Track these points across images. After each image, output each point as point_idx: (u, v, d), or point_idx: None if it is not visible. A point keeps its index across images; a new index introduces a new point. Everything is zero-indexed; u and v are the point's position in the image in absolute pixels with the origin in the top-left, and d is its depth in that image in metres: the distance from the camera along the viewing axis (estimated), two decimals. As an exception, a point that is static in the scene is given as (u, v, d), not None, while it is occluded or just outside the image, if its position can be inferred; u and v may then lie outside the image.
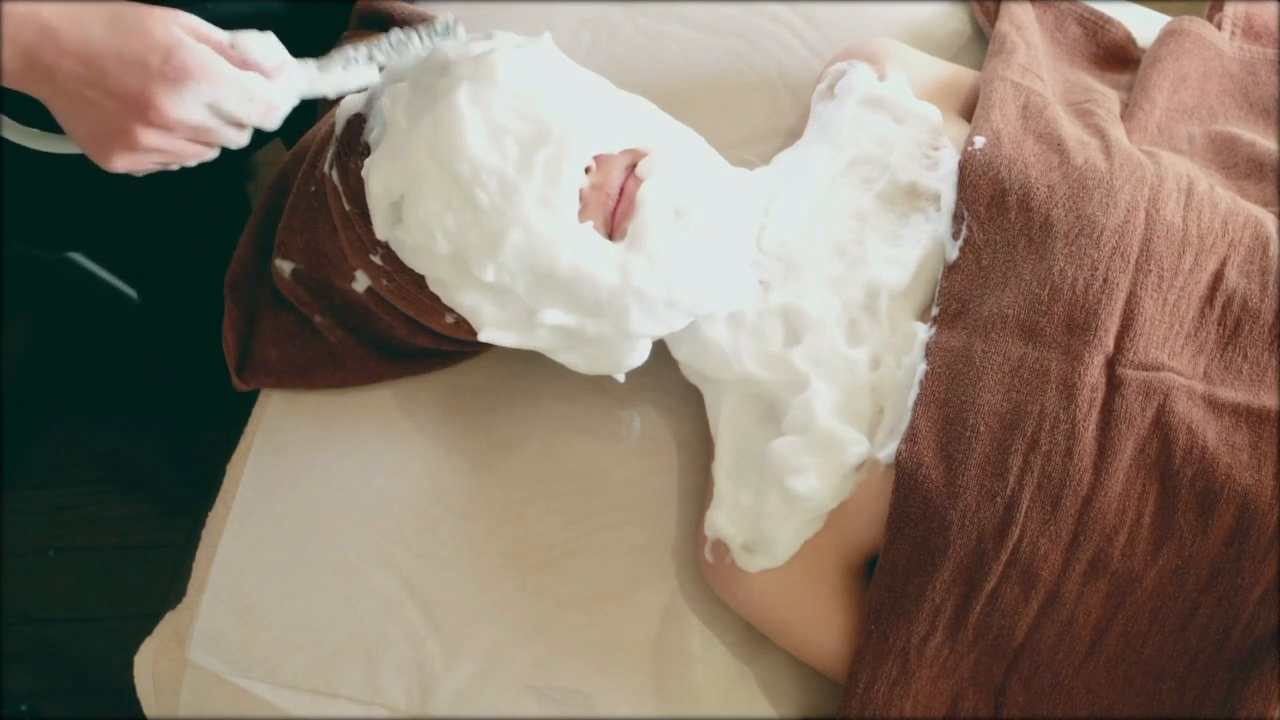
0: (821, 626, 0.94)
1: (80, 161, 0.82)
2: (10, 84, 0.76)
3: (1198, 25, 1.15)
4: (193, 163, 0.82)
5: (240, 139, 0.82)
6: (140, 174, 0.81)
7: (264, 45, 0.81)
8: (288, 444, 1.06)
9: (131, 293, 1.43)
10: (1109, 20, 1.20)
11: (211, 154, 0.83)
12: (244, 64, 0.80)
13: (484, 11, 1.23)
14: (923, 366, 0.91)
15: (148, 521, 1.68)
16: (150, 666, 1.01)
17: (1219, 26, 1.17)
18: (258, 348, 1.08)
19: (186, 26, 0.78)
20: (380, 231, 0.92)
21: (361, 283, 0.99)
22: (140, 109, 0.76)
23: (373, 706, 0.97)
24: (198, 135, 0.80)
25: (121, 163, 0.79)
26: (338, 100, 1.07)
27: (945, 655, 0.90)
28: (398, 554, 1.01)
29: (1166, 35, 1.15)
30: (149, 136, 0.77)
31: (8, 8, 0.73)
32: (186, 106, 0.77)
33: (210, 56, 0.77)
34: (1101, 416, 0.87)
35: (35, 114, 0.80)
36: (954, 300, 0.93)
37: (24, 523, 1.69)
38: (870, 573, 0.94)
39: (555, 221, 0.87)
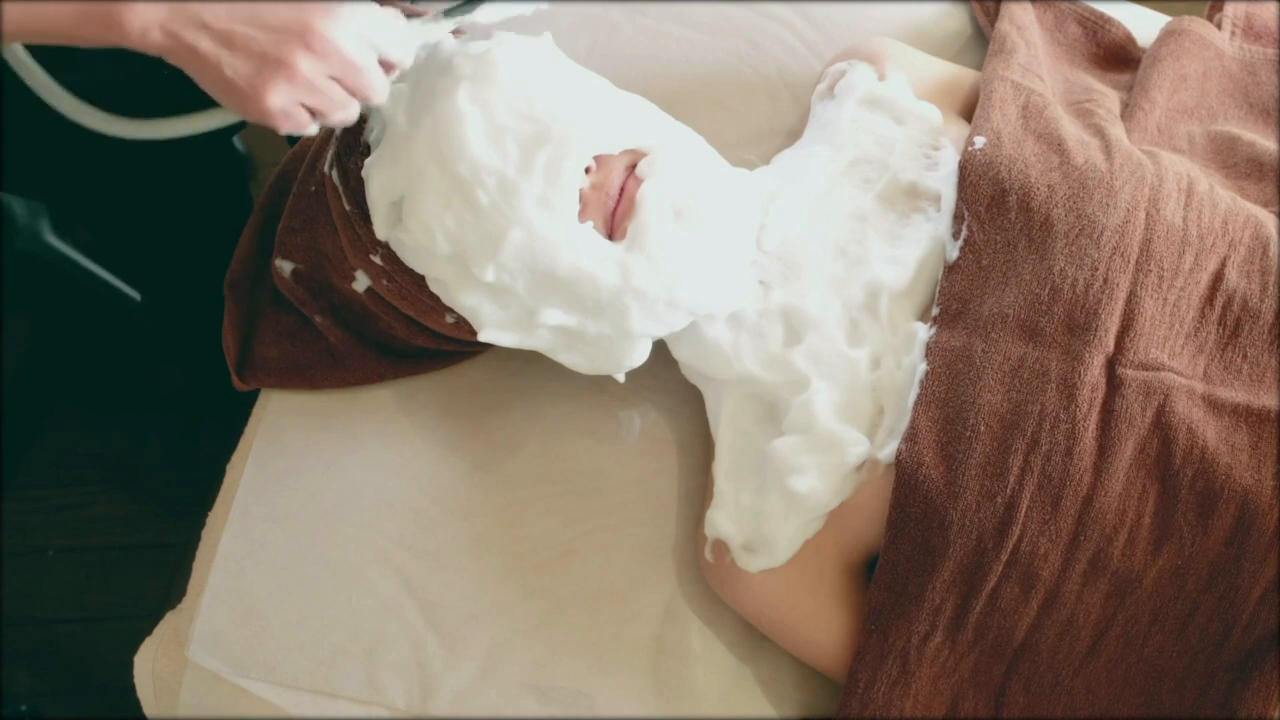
0: (821, 626, 0.94)
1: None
2: (146, 41, 0.73)
3: (1198, 25, 1.15)
4: (337, 118, 0.80)
5: (379, 93, 0.81)
6: (288, 126, 0.79)
7: None
8: (288, 444, 1.06)
9: (132, 293, 1.44)
10: (1109, 20, 1.20)
11: (354, 113, 0.81)
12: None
13: (484, 11, 1.23)
14: (923, 366, 0.91)
15: (148, 521, 1.68)
16: (150, 666, 1.01)
17: (1219, 26, 1.17)
18: (258, 347, 1.08)
19: None
20: (380, 231, 0.92)
21: (361, 283, 0.99)
22: (299, 34, 0.75)
23: (373, 706, 0.97)
24: (347, 74, 0.79)
25: (278, 97, 0.76)
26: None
27: (945, 655, 0.90)
28: (398, 554, 1.02)
29: (1166, 35, 1.15)
30: (306, 64, 0.76)
31: None
32: (344, 32, 0.77)
33: None
34: (1101, 416, 0.87)
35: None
36: (954, 300, 0.93)
37: (24, 523, 1.69)
38: (870, 572, 0.95)
39: (555, 221, 0.87)
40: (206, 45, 0.74)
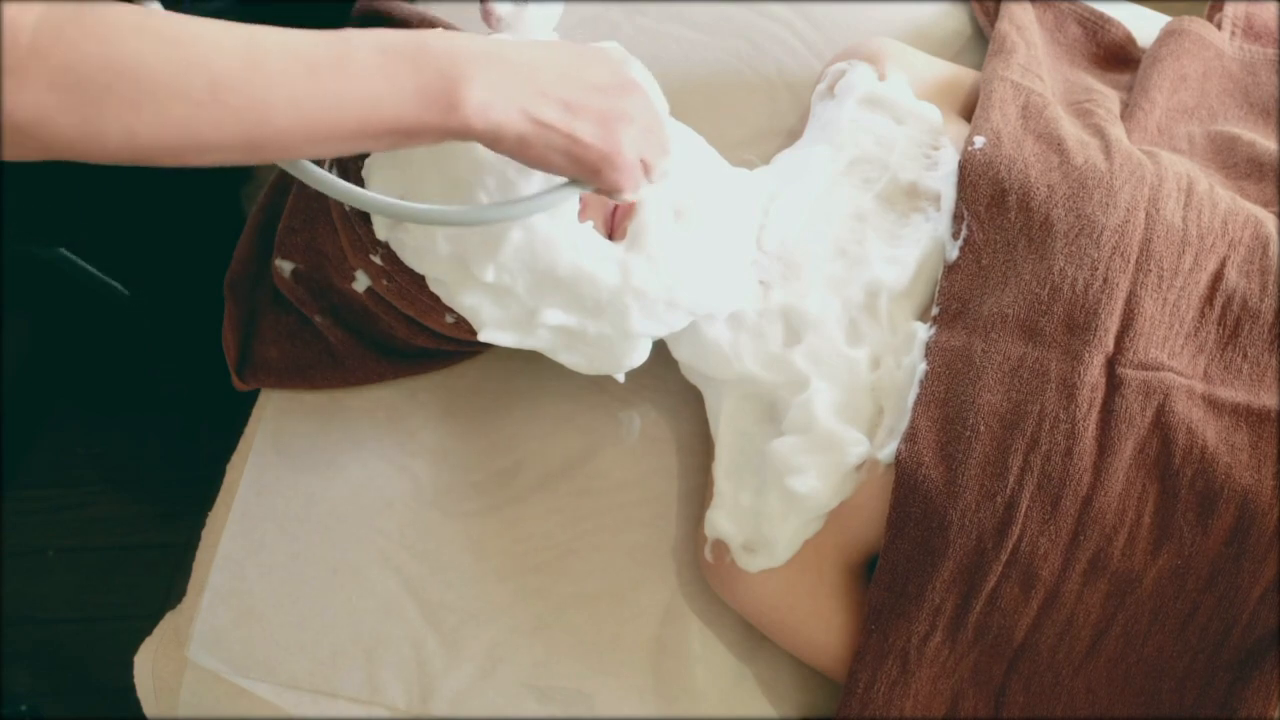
0: (821, 626, 0.94)
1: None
2: (487, 119, 0.72)
3: (1198, 25, 1.15)
4: (662, 165, 0.82)
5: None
6: (635, 181, 0.79)
7: None
8: (288, 444, 1.06)
9: (120, 287, 1.44)
10: (1109, 20, 1.20)
11: (670, 161, 0.84)
12: None
13: (484, 11, 1.23)
14: (923, 366, 0.91)
15: (148, 521, 1.68)
16: (150, 666, 1.01)
17: (1219, 26, 1.17)
18: (258, 347, 1.08)
19: None
20: (380, 232, 0.91)
21: (361, 283, 0.99)
22: (624, 86, 0.77)
23: (373, 706, 0.97)
24: (658, 119, 0.81)
25: (629, 147, 0.77)
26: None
27: (945, 655, 0.90)
28: (398, 554, 1.02)
29: (1166, 35, 1.15)
30: (638, 110, 0.78)
31: (490, 43, 0.73)
32: (642, 79, 0.82)
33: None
34: (1101, 416, 0.87)
35: None
36: (954, 300, 0.93)
37: (24, 523, 1.69)
38: (870, 572, 0.95)
39: (555, 221, 0.87)
40: (554, 114, 0.74)
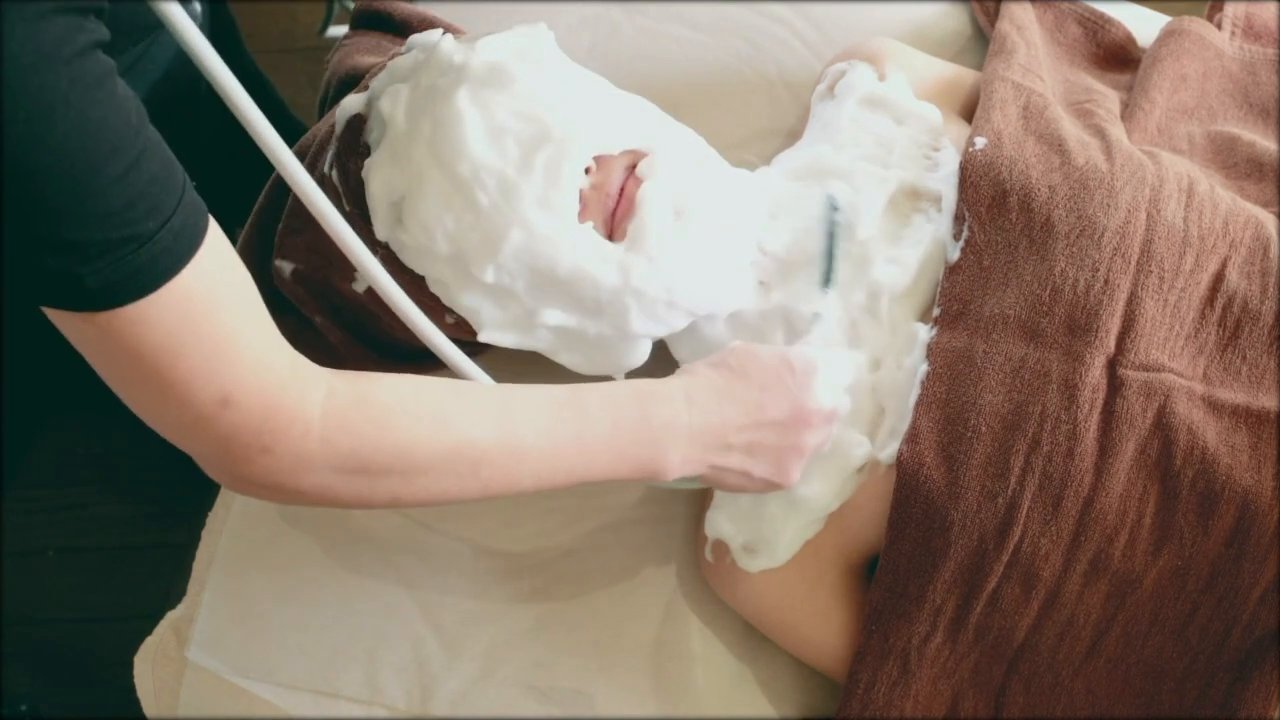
0: (822, 627, 0.94)
1: None
2: (684, 471, 0.84)
3: (1198, 25, 1.15)
4: (827, 446, 0.90)
5: (847, 404, 0.91)
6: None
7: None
8: (288, 444, 1.06)
9: None
10: (1109, 20, 1.20)
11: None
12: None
13: (484, 11, 1.23)
14: (924, 367, 0.91)
15: (148, 521, 1.68)
16: (150, 666, 1.01)
17: (1219, 26, 1.17)
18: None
19: (756, 345, 0.89)
20: (380, 232, 0.91)
21: (361, 283, 0.99)
22: (802, 419, 0.86)
23: (373, 706, 0.97)
24: (831, 417, 0.89)
25: (798, 473, 0.88)
26: (337, 101, 1.07)
27: (946, 656, 0.90)
28: (397, 554, 1.01)
29: (1166, 35, 1.15)
30: (812, 438, 0.87)
31: (686, 410, 0.83)
32: (827, 395, 0.88)
33: (806, 349, 0.89)
34: (1102, 417, 0.87)
35: None
36: (955, 301, 0.93)
37: (24, 523, 1.69)
38: (871, 573, 0.95)
39: (555, 222, 0.87)
40: (735, 460, 0.85)
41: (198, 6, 1.02)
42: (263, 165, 1.08)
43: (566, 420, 0.78)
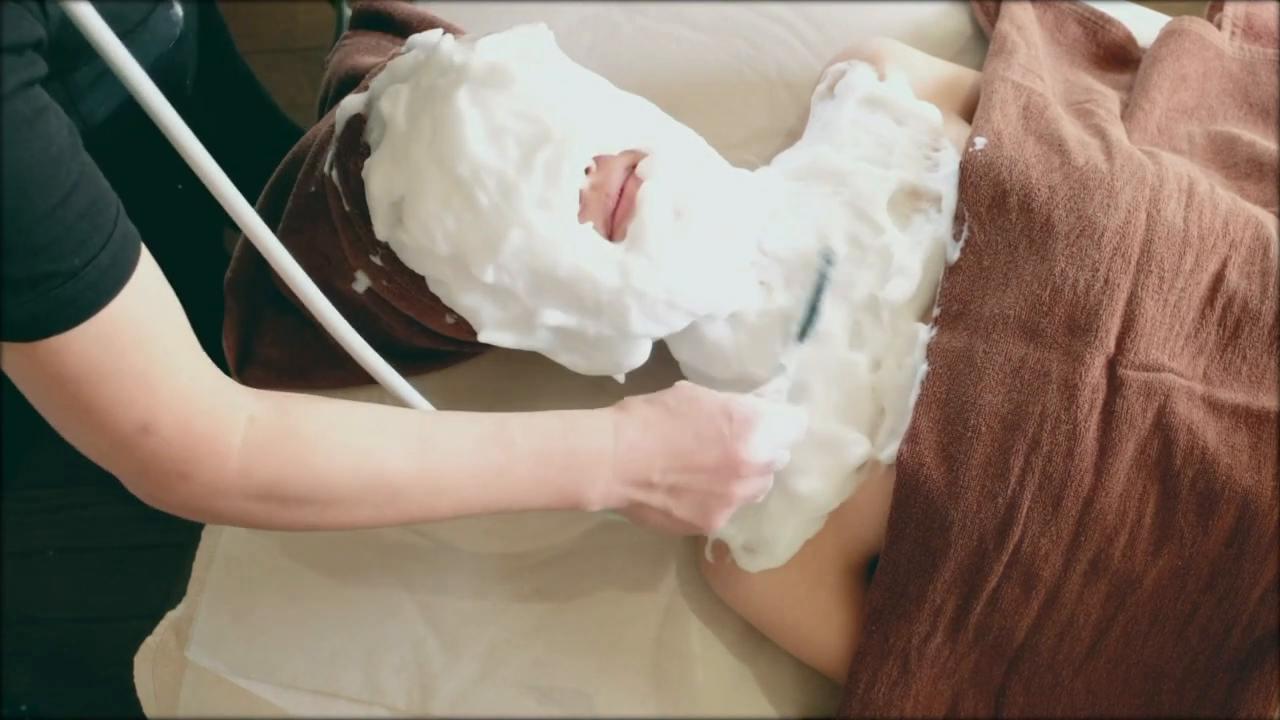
0: (821, 627, 0.94)
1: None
2: (605, 505, 0.85)
3: (1198, 25, 1.15)
4: (760, 498, 0.91)
5: (786, 458, 0.90)
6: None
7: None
8: (288, 444, 1.06)
9: None
10: (1109, 20, 1.20)
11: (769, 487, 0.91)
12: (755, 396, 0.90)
13: (484, 11, 1.23)
14: (924, 367, 0.91)
15: (148, 521, 1.67)
16: (150, 666, 1.01)
17: (1219, 26, 1.17)
18: (258, 348, 1.08)
19: (710, 388, 0.88)
20: (380, 232, 0.91)
21: (361, 283, 0.99)
22: (732, 469, 0.85)
23: (373, 707, 0.97)
24: (766, 470, 0.88)
25: (722, 520, 0.88)
26: (337, 101, 1.07)
27: (946, 656, 0.90)
28: (397, 554, 1.01)
29: (1166, 35, 1.15)
30: (742, 487, 0.87)
31: (612, 448, 0.83)
32: (762, 449, 0.86)
33: (752, 400, 0.88)
34: (1102, 417, 0.87)
35: None
36: (955, 301, 0.93)
37: (24, 523, 1.69)
38: (871, 573, 0.95)
39: (555, 222, 0.87)
40: (657, 500, 0.86)
41: (179, 10, 1.02)
42: (259, 167, 1.08)
43: (489, 456, 0.80)
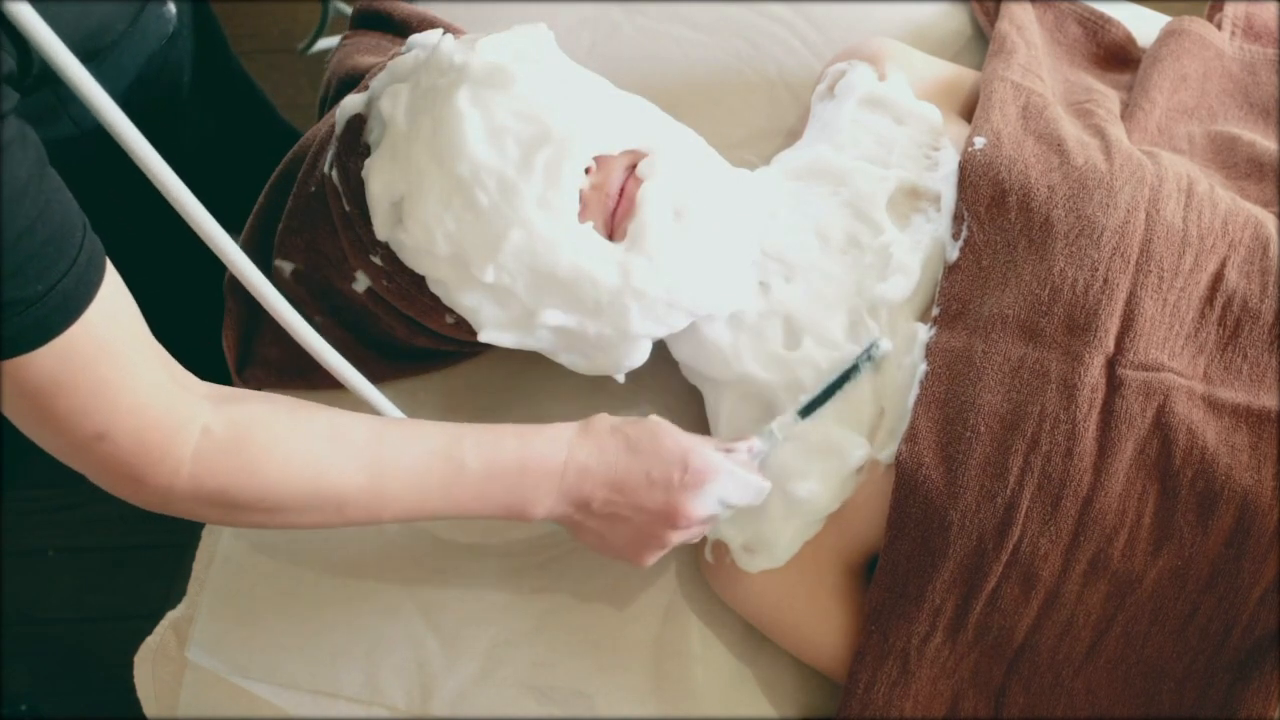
0: (821, 627, 0.94)
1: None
2: (549, 518, 0.88)
3: (1198, 25, 1.15)
4: (695, 541, 0.93)
5: (726, 515, 0.92)
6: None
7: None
8: (288, 444, 1.06)
9: None
10: (1109, 20, 1.20)
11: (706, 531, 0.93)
12: (726, 450, 0.90)
13: (484, 11, 1.23)
14: (923, 367, 0.91)
15: (148, 521, 1.67)
16: (150, 666, 1.01)
17: (1219, 26, 1.17)
18: (259, 347, 1.08)
19: (679, 430, 0.89)
20: (380, 232, 0.92)
21: (361, 283, 0.99)
22: (670, 517, 0.87)
23: (373, 707, 0.97)
24: (706, 523, 0.90)
25: (651, 560, 0.91)
26: (337, 101, 1.07)
27: (945, 656, 0.90)
28: (397, 554, 1.01)
29: (1166, 35, 1.15)
30: (676, 537, 0.89)
31: (561, 471, 0.86)
32: (706, 506, 0.88)
33: (715, 456, 0.88)
34: (1102, 417, 0.87)
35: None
36: (954, 301, 0.93)
37: (24, 523, 1.69)
38: (870, 573, 0.95)
39: (555, 222, 0.87)
40: (594, 524, 0.88)
41: (172, 8, 1.02)
42: (255, 168, 1.08)
43: (437, 472, 0.83)
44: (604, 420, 0.89)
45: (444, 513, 0.85)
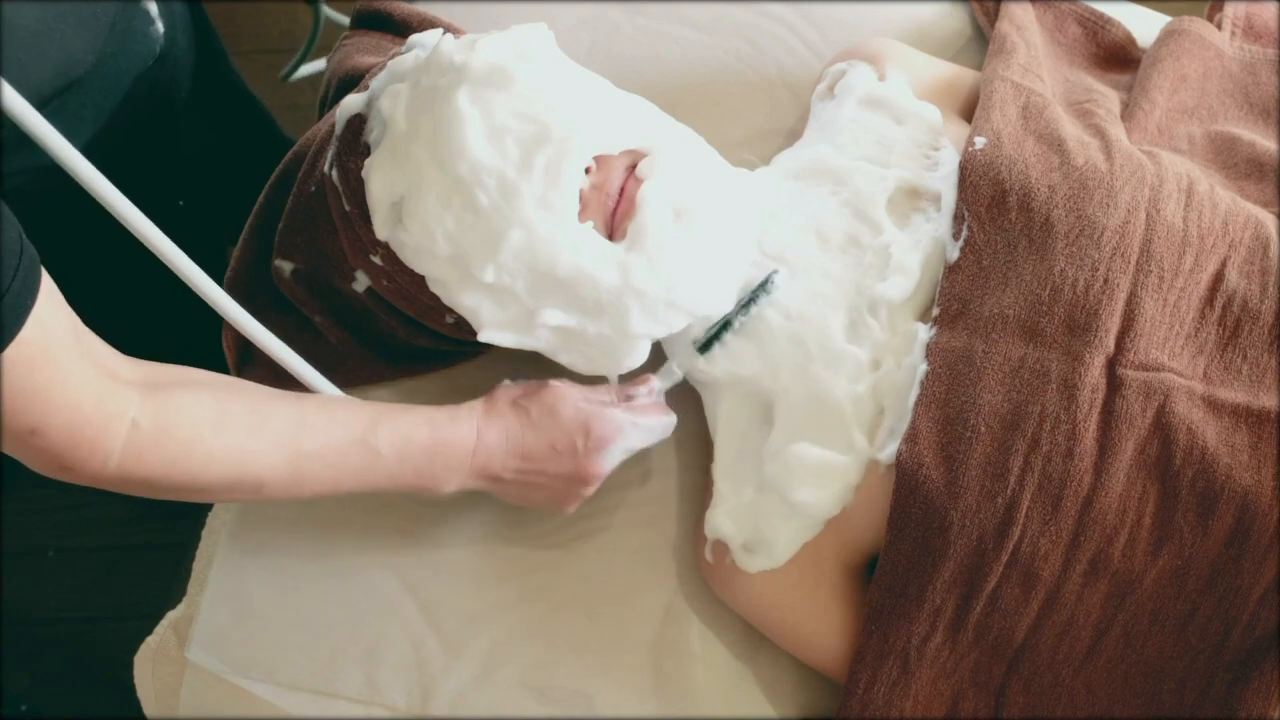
0: (821, 627, 0.94)
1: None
2: (461, 490, 0.93)
3: (1198, 25, 1.15)
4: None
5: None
6: None
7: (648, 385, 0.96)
8: (288, 444, 1.06)
9: None
10: (1109, 20, 1.20)
11: None
12: (627, 397, 0.95)
13: (484, 11, 1.23)
14: (923, 367, 0.91)
15: (148, 521, 1.68)
16: (150, 666, 1.01)
17: (1219, 26, 1.17)
18: (258, 348, 1.08)
19: (578, 395, 0.93)
20: (380, 232, 0.92)
21: (361, 283, 0.99)
22: (580, 480, 0.93)
23: (373, 706, 0.97)
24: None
25: (574, 508, 0.97)
26: (337, 101, 1.07)
27: (945, 656, 0.90)
28: (397, 554, 1.02)
29: (1166, 35, 1.15)
30: (589, 490, 0.95)
31: (471, 452, 0.91)
32: (611, 461, 0.93)
33: (616, 416, 0.92)
34: (1102, 417, 0.87)
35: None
36: (954, 301, 0.93)
37: (24, 523, 1.69)
38: (870, 573, 0.95)
39: (555, 222, 0.87)
40: (511, 490, 0.94)
41: (160, 27, 1.02)
42: (252, 179, 1.08)
43: (352, 458, 0.87)
44: (506, 393, 0.94)
45: (358, 491, 0.90)
